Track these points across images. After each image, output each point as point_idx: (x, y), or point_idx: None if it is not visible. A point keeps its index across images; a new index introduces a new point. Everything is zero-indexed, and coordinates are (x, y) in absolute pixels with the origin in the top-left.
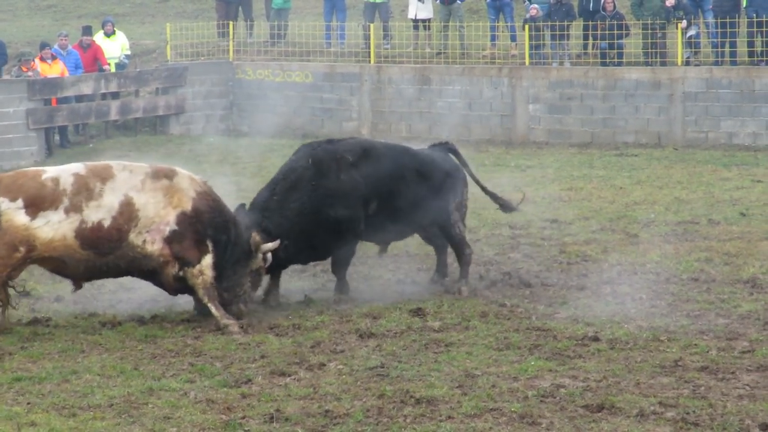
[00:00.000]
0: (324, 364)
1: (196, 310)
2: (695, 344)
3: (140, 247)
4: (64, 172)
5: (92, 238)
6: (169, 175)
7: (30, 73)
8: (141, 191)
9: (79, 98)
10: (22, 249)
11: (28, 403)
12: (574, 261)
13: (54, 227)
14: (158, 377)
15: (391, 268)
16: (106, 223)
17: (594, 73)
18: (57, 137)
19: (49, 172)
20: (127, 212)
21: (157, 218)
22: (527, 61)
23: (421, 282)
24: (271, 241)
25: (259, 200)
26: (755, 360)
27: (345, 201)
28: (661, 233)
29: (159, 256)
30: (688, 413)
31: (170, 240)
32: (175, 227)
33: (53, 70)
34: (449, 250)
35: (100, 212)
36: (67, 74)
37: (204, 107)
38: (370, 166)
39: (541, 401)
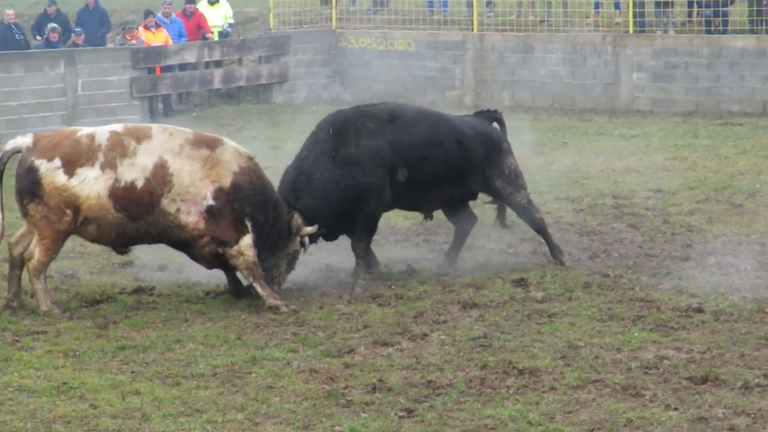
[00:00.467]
0: (427, 335)
1: (227, 289)
2: None
3: (173, 215)
4: (101, 130)
5: (124, 199)
6: (212, 144)
7: (134, 42)
8: (177, 156)
9: (183, 67)
10: (69, 212)
11: (132, 372)
12: (678, 231)
13: (90, 184)
14: (261, 347)
15: (494, 238)
16: (139, 184)
17: (698, 41)
18: (160, 106)
19: (86, 129)
20: (161, 175)
21: (193, 188)
22: (631, 29)
23: (523, 252)
24: (307, 222)
25: (288, 178)
26: None
27: (364, 168)
28: (766, 203)
29: (193, 229)
30: None
31: (206, 215)
32: (212, 203)
33: (157, 38)
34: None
35: (134, 172)
36: (170, 42)
37: (307, 76)
38: (398, 132)
39: (645, 373)
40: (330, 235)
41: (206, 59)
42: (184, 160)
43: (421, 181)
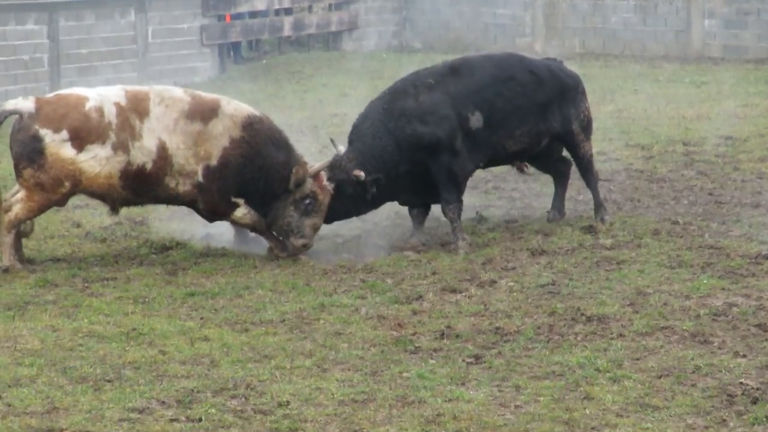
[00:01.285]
0: (495, 281)
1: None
2: None
3: (173, 188)
4: (107, 101)
5: (135, 180)
6: (207, 116)
7: None
8: (172, 133)
9: (253, 14)
10: (67, 184)
11: (201, 318)
12: (749, 178)
13: (101, 163)
14: (330, 293)
15: None
16: (148, 167)
17: None
18: (230, 53)
19: (92, 100)
20: (163, 157)
21: (187, 165)
22: None
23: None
24: (358, 169)
25: (349, 135)
26: None
27: (425, 118)
28: None
29: (186, 196)
30: None
31: (198, 188)
32: (201, 180)
33: None
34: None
35: (144, 155)
36: None
37: (377, 23)
38: (461, 80)
39: (714, 320)
40: (404, 195)
41: (276, 7)
42: (179, 138)
43: (501, 120)
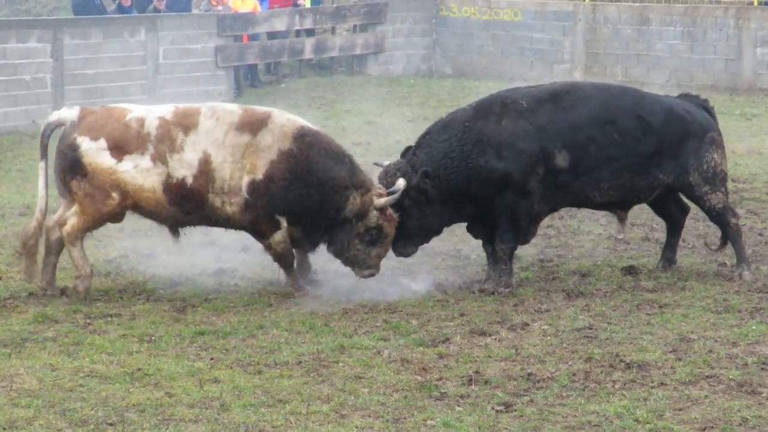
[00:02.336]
0: (527, 324)
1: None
2: None
3: (220, 209)
4: (151, 115)
5: (178, 195)
6: (256, 127)
7: (220, 8)
8: (221, 146)
9: (272, 35)
10: (115, 195)
11: (211, 359)
12: None
13: (143, 175)
14: (350, 334)
15: (603, 223)
16: (189, 182)
17: None
18: (247, 76)
19: (136, 111)
20: (205, 171)
21: (232, 181)
22: (755, 1)
23: (634, 238)
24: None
25: (418, 139)
26: None
27: (501, 152)
28: None
29: (237, 220)
30: None
31: (243, 207)
32: (246, 196)
33: (245, 5)
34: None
35: (183, 168)
36: (259, 9)
37: (405, 46)
38: (556, 113)
39: (762, 369)
40: (460, 216)
41: (297, 27)
42: (226, 151)
43: (589, 168)
